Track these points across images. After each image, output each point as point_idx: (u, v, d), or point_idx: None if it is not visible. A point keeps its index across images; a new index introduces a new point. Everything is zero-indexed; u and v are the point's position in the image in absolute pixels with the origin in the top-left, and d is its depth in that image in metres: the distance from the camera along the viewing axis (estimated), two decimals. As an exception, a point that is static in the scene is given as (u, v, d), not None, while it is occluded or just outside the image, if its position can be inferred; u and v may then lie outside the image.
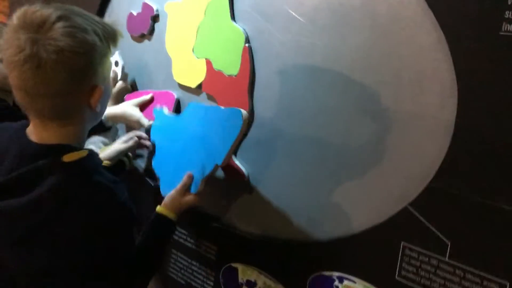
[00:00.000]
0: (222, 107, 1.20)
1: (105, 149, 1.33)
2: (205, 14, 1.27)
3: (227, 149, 1.15)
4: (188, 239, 1.39)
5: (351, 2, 1.00)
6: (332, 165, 1.07)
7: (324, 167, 1.08)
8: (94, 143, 1.38)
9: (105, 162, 1.29)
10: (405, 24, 0.94)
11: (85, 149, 0.94)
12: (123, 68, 1.49)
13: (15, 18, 0.85)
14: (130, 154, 1.42)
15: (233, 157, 1.25)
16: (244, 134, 1.22)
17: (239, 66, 1.20)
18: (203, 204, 1.27)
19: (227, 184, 1.29)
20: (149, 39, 1.44)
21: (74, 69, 0.85)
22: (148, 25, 1.42)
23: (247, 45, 1.19)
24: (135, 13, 1.45)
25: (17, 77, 0.85)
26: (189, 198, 1.20)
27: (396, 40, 0.95)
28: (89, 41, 0.86)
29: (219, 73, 1.25)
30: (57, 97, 0.87)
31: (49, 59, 0.82)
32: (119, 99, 1.47)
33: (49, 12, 0.84)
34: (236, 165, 1.25)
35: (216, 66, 1.26)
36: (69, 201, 0.86)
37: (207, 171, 1.19)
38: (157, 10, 1.40)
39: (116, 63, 1.49)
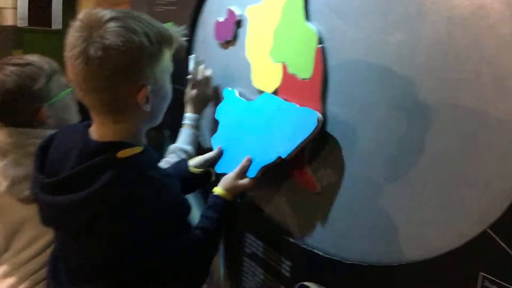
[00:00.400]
0: (298, 106, 1.16)
1: (194, 159, 1.35)
2: (281, 15, 1.22)
3: (294, 146, 1.13)
4: (264, 251, 1.33)
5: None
6: (407, 179, 0.94)
7: (398, 181, 0.95)
8: (174, 152, 1.40)
9: (194, 170, 1.31)
10: (486, 13, 0.78)
11: (140, 145, 0.98)
12: (199, 73, 1.48)
13: (77, 19, 0.93)
14: None
15: (308, 166, 1.17)
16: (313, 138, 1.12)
17: (312, 68, 1.13)
18: (253, 189, 1.27)
19: (300, 194, 1.21)
20: (233, 45, 1.43)
21: (118, 66, 0.90)
22: (231, 31, 1.40)
23: (320, 46, 1.10)
24: (220, 20, 1.45)
25: (71, 72, 0.93)
26: (246, 181, 1.22)
27: (475, 32, 0.80)
28: (135, 41, 0.90)
29: (293, 77, 1.18)
30: (104, 91, 0.92)
31: (95, 56, 0.88)
32: (197, 105, 1.47)
33: (104, 13, 0.92)
34: (309, 174, 1.16)
35: (290, 69, 1.20)
36: (123, 196, 0.91)
37: (268, 160, 1.19)
38: (240, 16, 1.38)
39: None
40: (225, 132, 1.40)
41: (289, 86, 1.21)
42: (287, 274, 1.24)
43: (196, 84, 1.46)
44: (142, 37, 0.91)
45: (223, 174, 1.28)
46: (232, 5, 1.40)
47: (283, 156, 1.15)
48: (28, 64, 1.24)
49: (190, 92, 1.47)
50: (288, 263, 1.24)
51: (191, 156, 1.40)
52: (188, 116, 1.46)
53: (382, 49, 0.97)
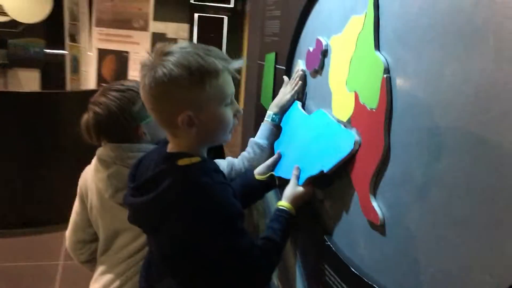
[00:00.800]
0: (342, 126, 1.25)
1: (259, 166, 1.50)
2: (356, 45, 1.22)
3: (334, 163, 1.23)
4: (336, 282, 1.31)
5: (474, 21, 0.82)
6: (476, 216, 0.87)
7: (460, 218, 0.89)
8: (250, 145, 1.56)
9: (259, 177, 1.45)
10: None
11: (199, 156, 1.14)
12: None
13: (155, 46, 1.12)
14: None
15: (371, 196, 1.14)
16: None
17: (378, 98, 1.11)
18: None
19: (364, 227, 1.18)
20: (320, 74, 1.45)
21: (161, 93, 1.07)
22: (318, 61, 1.43)
23: (385, 75, 1.08)
24: (311, 50, 1.49)
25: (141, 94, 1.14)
26: (306, 192, 1.34)
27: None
28: (175, 74, 1.05)
29: (364, 107, 1.17)
30: (155, 112, 1.12)
31: (149, 81, 1.07)
32: (282, 105, 1.60)
33: (172, 47, 1.09)
34: (372, 205, 1.13)
35: (361, 99, 1.19)
36: (179, 198, 1.07)
37: (313, 172, 1.30)
38: (326, 45, 1.40)
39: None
40: (285, 139, 1.54)
41: (360, 116, 1.20)
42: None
43: (293, 84, 1.59)
44: (183, 70, 1.05)
45: (282, 178, 1.43)
46: (321, 35, 1.43)
47: (325, 171, 1.26)
48: (128, 89, 1.42)
49: (284, 90, 1.59)
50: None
51: (265, 151, 1.52)
52: (270, 114, 1.58)
53: (439, 80, 0.92)
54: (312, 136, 1.39)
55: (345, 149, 1.20)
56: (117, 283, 1.44)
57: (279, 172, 1.49)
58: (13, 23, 9.09)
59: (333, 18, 1.37)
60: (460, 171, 0.87)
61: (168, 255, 1.15)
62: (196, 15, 10.96)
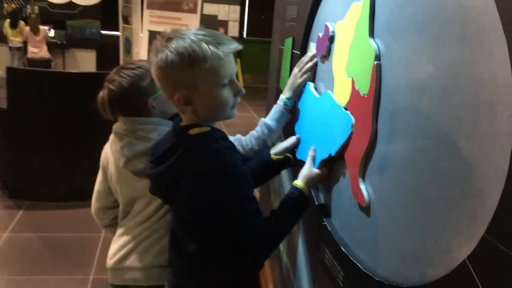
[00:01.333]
0: (343, 109, 1.29)
1: (276, 146, 1.57)
2: (354, 32, 1.25)
3: (338, 146, 1.29)
4: (329, 258, 1.37)
5: (447, 10, 0.85)
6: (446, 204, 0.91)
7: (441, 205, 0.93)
8: (260, 125, 1.61)
9: (275, 157, 1.54)
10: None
11: (208, 126, 1.23)
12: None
13: (166, 31, 1.23)
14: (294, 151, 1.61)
15: (359, 179, 1.19)
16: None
17: (369, 85, 1.14)
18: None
19: (354, 208, 1.23)
20: (328, 60, 1.49)
21: (159, 76, 1.21)
22: (325, 47, 1.47)
23: (376, 62, 1.12)
24: (320, 35, 1.53)
25: None
26: (321, 174, 1.40)
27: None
28: (168, 59, 1.16)
29: (358, 93, 1.21)
30: (161, 89, 1.25)
31: (152, 65, 1.21)
32: (295, 89, 1.64)
33: (168, 33, 1.20)
34: (360, 188, 1.18)
35: (356, 85, 1.23)
36: (190, 163, 1.17)
37: (324, 155, 1.37)
38: (333, 32, 1.44)
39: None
40: (302, 122, 1.61)
41: (354, 102, 1.24)
42: (341, 285, 1.27)
43: (302, 67, 1.63)
44: (176, 56, 1.15)
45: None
46: (329, 21, 1.47)
47: (333, 154, 1.32)
48: (138, 67, 1.53)
49: (294, 73, 1.64)
50: (342, 274, 1.27)
51: (273, 132, 1.59)
52: (282, 97, 1.63)
53: (416, 68, 0.95)
54: (321, 118, 1.46)
55: (346, 132, 1.25)
56: (132, 244, 1.56)
57: (299, 154, 1.57)
58: (71, 5, 9.49)
59: (339, 4, 1.40)
60: (426, 155, 0.90)
61: (185, 220, 1.26)
62: (247, -3, 11.03)
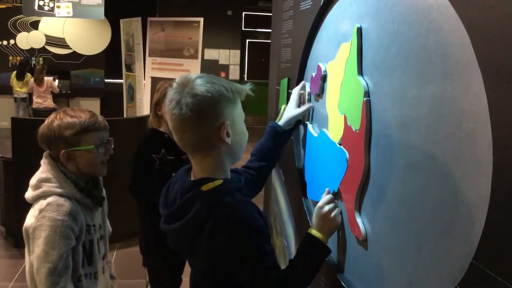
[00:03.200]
0: (337, 145, 1.33)
1: (283, 115, 1.65)
2: (344, 71, 1.30)
3: (339, 182, 1.32)
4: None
5: (427, 47, 0.90)
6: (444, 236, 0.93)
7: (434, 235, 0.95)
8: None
9: (287, 127, 1.64)
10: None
11: (221, 178, 1.20)
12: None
13: (175, 82, 1.21)
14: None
15: (356, 212, 1.21)
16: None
17: (360, 120, 1.18)
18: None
19: (348, 238, 1.24)
20: (322, 98, 1.54)
21: (204, 108, 1.15)
22: (319, 85, 1.52)
23: (365, 99, 1.16)
24: (313, 75, 1.58)
25: (169, 120, 1.20)
26: (337, 221, 1.31)
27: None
28: (216, 88, 1.16)
29: (350, 128, 1.25)
30: (193, 131, 1.18)
31: (187, 103, 1.15)
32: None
33: (192, 75, 1.20)
34: (356, 221, 1.20)
35: (348, 121, 1.26)
36: (207, 220, 1.15)
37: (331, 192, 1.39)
38: (324, 71, 1.49)
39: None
40: (309, 162, 1.66)
41: (348, 137, 1.28)
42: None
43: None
44: (220, 87, 1.17)
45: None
46: (321, 61, 1.52)
47: (336, 190, 1.35)
48: (72, 116, 1.55)
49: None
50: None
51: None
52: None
53: (402, 103, 0.99)
54: (321, 156, 1.50)
55: (343, 167, 1.28)
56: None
57: (310, 195, 1.61)
58: (75, 55, 9.73)
59: (330, 45, 1.46)
60: (415, 186, 0.93)
61: (206, 274, 1.26)
62: (246, 41, 11.26)
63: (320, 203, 1.32)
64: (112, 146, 1.62)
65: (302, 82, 1.69)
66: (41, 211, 1.46)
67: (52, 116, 1.58)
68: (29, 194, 1.55)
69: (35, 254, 1.44)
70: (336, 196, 1.36)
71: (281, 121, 1.64)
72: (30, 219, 1.49)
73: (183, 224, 1.18)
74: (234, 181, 1.26)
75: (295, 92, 1.68)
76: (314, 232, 1.29)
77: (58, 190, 1.50)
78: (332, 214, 1.30)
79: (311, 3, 1.62)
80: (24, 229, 1.50)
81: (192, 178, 1.24)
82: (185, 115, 1.15)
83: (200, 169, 1.22)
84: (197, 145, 1.20)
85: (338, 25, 1.39)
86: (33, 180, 1.56)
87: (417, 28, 0.95)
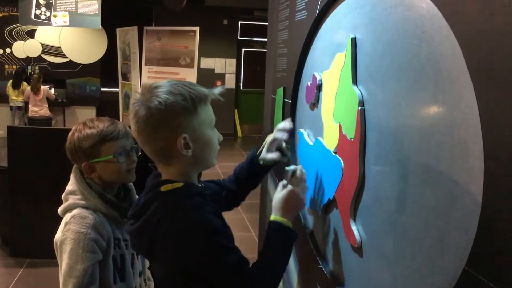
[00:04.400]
0: (332, 153, 1.35)
1: (264, 152, 1.55)
2: (339, 80, 1.32)
3: (334, 190, 1.33)
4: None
5: (420, 57, 0.92)
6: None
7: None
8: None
9: (265, 163, 1.53)
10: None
11: (181, 181, 1.19)
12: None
13: (141, 89, 1.21)
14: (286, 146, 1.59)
15: (351, 220, 1.22)
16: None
17: (354, 129, 1.20)
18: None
19: (344, 247, 1.25)
20: (317, 107, 1.55)
21: (158, 121, 1.14)
22: (314, 95, 1.54)
23: (360, 108, 1.18)
24: (309, 84, 1.60)
25: (132, 130, 1.21)
26: (296, 201, 1.32)
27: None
28: (170, 100, 1.13)
29: (345, 137, 1.26)
30: (152, 142, 1.18)
31: (141, 116, 1.14)
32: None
33: (154, 83, 1.17)
34: (351, 229, 1.21)
35: (343, 130, 1.28)
36: (161, 221, 1.14)
37: (324, 201, 1.41)
38: (320, 80, 1.51)
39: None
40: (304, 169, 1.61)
41: (342, 146, 1.29)
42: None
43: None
44: (177, 97, 1.13)
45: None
46: (316, 71, 1.54)
47: (331, 198, 1.36)
48: (90, 127, 1.53)
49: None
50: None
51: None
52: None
53: (396, 112, 1.01)
54: (316, 164, 1.51)
55: (338, 175, 1.30)
56: None
57: (307, 203, 1.58)
58: (71, 64, 9.74)
59: (325, 55, 1.48)
60: (409, 194, 0.95)
61: (164, 277, 1.22)
62: (242, 50, 11.31)
63: (277, 189, 1.34)
64: (139, 153, 1.57)
65: (277, 132, 1.59)
66: (66, 224, 1.46)
67: (73, 128, 1.57)
68: (60, 207, 1.54)
69: (62, 269, 1.42)
70: (332, 203, 1.38)
71: (259, 157, 1.54)
72: (58, 233, 1.48)
73: (140, 224, 1.18)
74: (197, 186, 1.24)
75: (269, 137, 1.57)
76: (277, 218, 1.27)
77: (82, 202, 1.49)
78: (291, 196, 1.30)
79: (306, 13, 1.64)
80: (54, 243, 1.49)
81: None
82: (140, 128, 1.16)
83: (165, 175, 1.22)
84: (158, 155, 1.21)
85: (332, 35, 1.41)
86: (64, 194, 1.55)
87: (410, 38, 0.97)
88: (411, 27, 0.97)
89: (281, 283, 1.91)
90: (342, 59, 1.30)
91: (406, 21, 0.99)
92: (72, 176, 1.58)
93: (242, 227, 4.87)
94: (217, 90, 1.22)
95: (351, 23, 1.27)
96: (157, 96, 1.13)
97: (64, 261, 1.41)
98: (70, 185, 1.56)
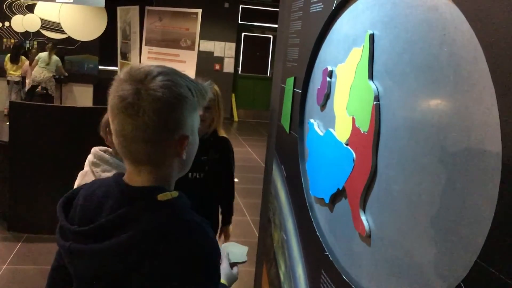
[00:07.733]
0: (344, 145, 1.39)
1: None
2: (355, 74, 1.36)
3: (344, 180, 1.38)
4: (324, 284, 1.44)
5: (440, 59, 0.96)
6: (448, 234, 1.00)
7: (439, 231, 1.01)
8: None
9: None
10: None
11: (176, 191, 1.00)
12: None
13: (122, 73, 0.97)
14: None
15: (360, 210, 1.27)
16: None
17: (368, 123, 1.24)
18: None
19: (352, 235, 1.31)
20: (330, 99, 1.59)
21: (168, 118, 0.94)
22: (322, 97, 1.59)
23: (375, 103, 1.22)
24: (319, 85, 1.64)
25: (118, 123, 0.94)
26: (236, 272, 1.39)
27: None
28: (183, 94, 0.95)
29: (358, 130, 1.31)
30: (150, 143, 0.95)
31: (147, 108, 0.92)
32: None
33: (152, 68, 0.96)
34: (361, 219, 1.26)
35: (357, 123, 1.32)
36: (166, 237, 0.92)
37: (334, 190, 1.45)
38: (330, 79, 1.55)
39: None
40: (312, 159, 1.71)
41: (355, 139, 1.33)
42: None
43: None
44: (185, 89, 0.96)
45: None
46: (330, 63, 1.58)
47: (340, 188, 1.41)
48: None
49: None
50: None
51: None
52: None
53: (412, 108, 1.05)
54: (326, 155, 1.55)
55: (349, 166, 1.35)
56: None
57: (313, 191, 1.67)
58: (70, 40, 9.69)
59: (339, 48, 1.51)
60: (423, 189, 0.99)
61: None
62: (242, 35, 11.30)
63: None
64: None
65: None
66: None
67: None
68: None
69: None
70: (341, 193, 1.42)
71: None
72: None
73: (124, 241, 0.90)
74: (185, 196, 1.03)
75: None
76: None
77: None
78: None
79: (322, 6, 1.67)
80: None
81: (132, 185, 0.99)
82: (141, 123, 0.93)
83: (145, 180, 0.99)
84: (149, 157, 0.97)
85: (349, 30, 1.45)
86: None
87: (430, 39, 1.01)
88: (432, 28, 1.01)
89: (283, 269, 1.97)
90: (358, 54, 1.34)
91: (428, 22, 1.03)
92: None
93: (238, 211, 4.92)
94: (208, 84, 1.05)
95: (369, 19, 1.31)
96: (167, 87, 0.94)
97: None
98: None
